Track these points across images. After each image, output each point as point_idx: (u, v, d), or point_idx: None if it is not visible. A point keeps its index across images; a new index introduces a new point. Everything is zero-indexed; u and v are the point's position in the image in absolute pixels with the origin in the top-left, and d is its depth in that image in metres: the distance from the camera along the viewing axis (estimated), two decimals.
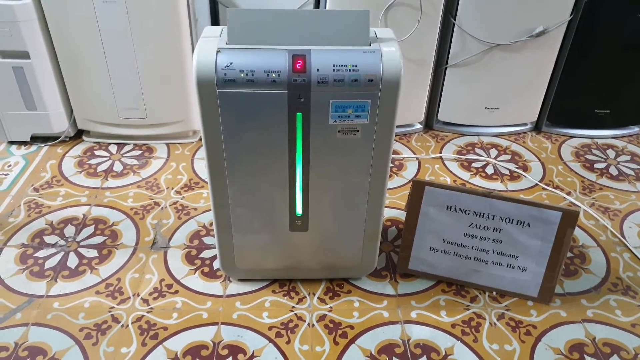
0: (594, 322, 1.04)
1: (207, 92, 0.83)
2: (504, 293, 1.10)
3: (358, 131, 0.88)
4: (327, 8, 1.38)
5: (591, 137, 1.64)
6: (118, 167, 1.45)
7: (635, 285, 1.13)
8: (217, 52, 0.82)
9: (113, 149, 1.52)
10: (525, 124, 1.65)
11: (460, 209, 1.06)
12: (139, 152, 1.51)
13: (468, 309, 1.06)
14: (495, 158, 1.53)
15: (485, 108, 1.58)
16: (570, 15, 1.43)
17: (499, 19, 1.41)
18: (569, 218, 1.02)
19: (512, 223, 1.05)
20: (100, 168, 1.44)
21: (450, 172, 1.46)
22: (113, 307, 1.03)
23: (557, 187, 1.41)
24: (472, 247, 1.08)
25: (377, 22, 1.38)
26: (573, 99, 1.58)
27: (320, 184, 0.94)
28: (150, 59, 1.38)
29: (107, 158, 1.48)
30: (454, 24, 1.43)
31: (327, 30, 0.85)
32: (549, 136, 1.64)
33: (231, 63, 0.82)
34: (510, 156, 1.54)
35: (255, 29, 0.85)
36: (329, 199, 0.97)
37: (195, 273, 1.12)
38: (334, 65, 0.82)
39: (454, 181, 1.42)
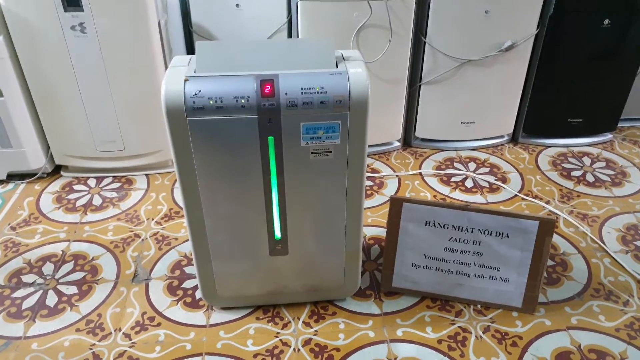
0: (578, 329, 1.04)
1: (177, 120, 0.83)
2: (489, 305, 1.10)
3: (330, 152, 0.89)
4: (299, 34, 1.41)
5: (567, 146, 1.66)
6: (97, 200, 1.43)
7: (617, 290, 1.13)
8: (185, 80, 0.83)
9: (92, 182, 1.51)
10: (502, 136, 1.67)
11: (439, 223, 1.07)
12: (118, 184, 1.50)
13: (454, 324, 1.05)
14: (474, 171, 1.54)
15: (462, 123, 1.60)
16: (537, 29, 1.47)
17: (468, 35, 1.45)
18: (546, 226, 1.03)
19: (490, 235, 1.05)
20: (79, 203, 1.42)
21: (430, 187, 1.47)
22: (94, 345, 1.01)
23: (536, 197, 1.42)
24: (454, 261, 1.08)
25: (350, 44, 1.40)
26: (546, 109, 1.61)
27: (297, 206, 0.95)
28: (125, 90, 1.39)
29: (86, 192, 1.47)
30: (424, 42, 1.46)
31: (294, 56, 0.87)
32: (526, 147, 1.67)
33: (199, 91, 0.83)
34: (489, 169, 1.56)
35: (224, 58, 0.86)
36: (307, 220, 0.97)
37: (177, 304, 1.10)
38: (302, 89, 0.83)
39: (434, 196, 1.43)
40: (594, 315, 1.07)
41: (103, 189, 1.48)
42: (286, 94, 0.83)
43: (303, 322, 1.06)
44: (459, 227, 1.06)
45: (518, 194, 1.43)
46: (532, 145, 1.67)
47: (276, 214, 0.95)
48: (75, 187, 1.49)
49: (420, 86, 1.54)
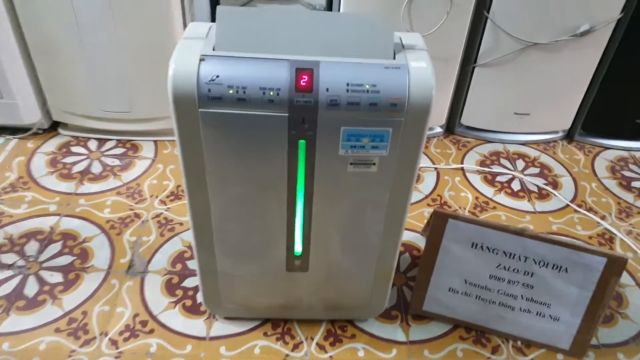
0: None
1: (186, 111, 0.66)
2: (531, 343, 0.95)
3: (374, 164, 0.71)
4: (341, 3, 1.19)
5: (628, 149, 1.46)
6: (97, 167, 1.28)
7: None
8: (201, 60, 0.65)
9: (93, 145, 1.35)
10: (556, 132, 1.47)
11: (487, 247, 0.90)
12: (123, 149, 1.34)
13: None
14: (523, 171, 1.36)
15: (515, 113, 1.40)
16: (621, 13, 1.23)
17: (538, 14, 1.22)
18: (615, 265, 0.86)
19: (546, 267, 0.89)
20: (75, 168, 1.27)
21: (472, 186, 1.29)
22: (74, 351, 0.88)
23: (590, 210, 1.24)
24: (498, 291, 0.93)
25: (400, 13, 1.19)
26: (613, 106, 1.39)
27: (325, 221, 0.78)
28: (135, 44, 1.19)
29: (85, 156, 1.31)
30: (486, 18, 1.24)
31: (340, 37, 0.67)
32: (582, 146, 1.47)
33: (217, 76, 0.64)
34: (539, 169, 1.37)
35: (252, 31, 0.67)
36: (336, 238, 0.81)
37: (175, 307, 0.97)
38: (348, 84, 0.65)
39: (476, 198, 1.25)
40: None
41: (104, 153, 1.32)
42: (327, 89, 0.65)
43: (317, 343, 0.92)
44: (510, 254, 0.89)
45: (570, 204, 1.26)
46: (589, 146, 1.47)
47: (299, 228, 0.79)
48: (74, 149, 1.33)
49: (474, 68, 1.33)
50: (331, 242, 0.81)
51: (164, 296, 0.98)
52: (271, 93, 0.64)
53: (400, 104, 0.65)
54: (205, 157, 0.70)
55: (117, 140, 1.36)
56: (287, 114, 0.66)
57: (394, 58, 0.67)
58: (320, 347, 0.92)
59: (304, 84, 0.64)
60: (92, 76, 1.24)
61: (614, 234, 1.18)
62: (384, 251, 0.83)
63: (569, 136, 1.48)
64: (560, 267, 0.88)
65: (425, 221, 1.06)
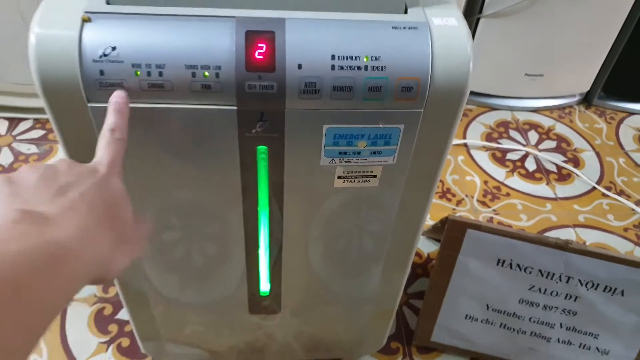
0: None
1: (67, 106, 0.40)
2: None
3: (375, 176, 0.47)
4: None
5: None
6: (7, 156, 1.00)
7: None
8: (84, 20, 0.38)
9: (2, 127, 1.06)
10: (573, 96, 1.24)
11: (518, 264, 0.68)
12: (41, 132, 1.06)
13: None
14: (537, 146, 1.13)
15: (526, 75, 1.16)
16: None
17: None
18: None
19: (596, 289, 0.68)
20: None
21: (479, 167, 1.06)
22: None
23: (621, 193, 1.04)
24: (531, 319, 0.72)
25: None
26: None
27: (302, 253, 0.54)
28: None
29: None
30: None
31: None
32: (602, 112, 1.25)
33: (114, 48, 0.38)
34: (555, 142, 1.14)
35: None
36: (317, 271, 0.57)
37: (107, 349, 0.73)
38: (333, 57, 0.39)
39: (485, 182, 1.03)
40: None
41: (17, 138, 1.04)
42: (299, 65, 0.39)
43: None
44: (549, 273, 0.68)
45: (597, 186, 1.04)
46: (610, 111, 1.25)
47: (264, 265, 0.55)
48: None
49: (479, 19, 1.07)
50: (312, 276, 0.58)
51: (93, 334, 0.75)
52: (206, 74, 0.39)
53: (417, 88, 0.40)
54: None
55: (34, 119, 1.08)
56: (234, 107, 0.40)
57: (406, 12, 0.42)
58: None
59: (261, 56, 0.39)
60: None
61: None
62: (385, 286, 0.60)
63: (586, 100, 1.26)
64: (615, 289, 0.67)
65: (434, 225, 0.84)
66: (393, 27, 0.40)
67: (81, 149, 0.42)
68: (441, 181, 1.02)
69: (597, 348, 0.72)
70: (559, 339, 0.72)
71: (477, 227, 0.67)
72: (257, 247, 0.53)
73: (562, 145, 1.14)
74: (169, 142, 0.42)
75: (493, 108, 1.21)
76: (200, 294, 0.59)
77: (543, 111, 1.23)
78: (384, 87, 0.40)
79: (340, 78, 0.39)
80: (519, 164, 1.08)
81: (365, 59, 0.39)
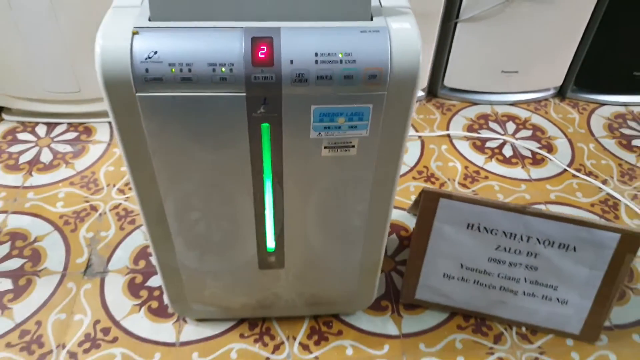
0: None
1: (121, 96, 0.53)
2: (537, 329, 0.87)
3: (353, 146, 0.60)
4: None
5: (625, 104, 1.37)
6: (46, 156, 1.14)
7: None
8: (134, 33, 0.52)
9: (41, 130, 1.21)
10: (547, 89, 1.37)
11: (485, 227, 0.81)
12: (74, 134, 1.20)
13: (492, 353, 0.84)
14: (514, 135, 1.26)
15: (502, 72, 1.29)
16: None
17: None
18: (630, 241, 0.77)
19: (552, 246, 0.80)
20: (23, 158, 1.13)
21: (461, 154, 1.19)
22: None
23: (590, 174, 1.16)
24: (499, 275, 0.84)
25: None
26: (607, 59, 1.29)
27: (300, 213, 0.67)
28: (73, 16, 1.04)
29: (33, 144, 1.17)
30: None
31: None
32: (575, 104, 1.37)
33: (155, 52, 0.52)
34: (531, 131, 1.27)
35: None
36: (313, 230, 0.70)
37: (140, 310, 0.87)
38: (317, 54, 0.53)
39: (466, 167, 1.16)
40: None
41: (54, 139, 1.19)
42: (291, 61, 0.53)
43: (300, 343, 0.83)
44: (511, 234, 0.80)
45: (568, 168, 1.17)
46: (583, 102, 1.37)
47: (270, 222, 0.68)
48: (20, 136, 1.19)
49: (456, 24, 1.20)
50: (308, 234, 0.71)
51: (127, 298, 0.88)
52: (223, 69, 0.52)
53: (380, 75, 0.54)
54: (151, 149, 0.58)
55: (68, 124, 1.22)
56: (244, 94, 0.54)
57: (371, 19, 0.55)
58: (304, 346, 0.83)
59: (263, 56, 0.52)
60: (30, 55, 1.09)
61: (618, 199, 1.10)
62: (369, 241, 0.73)
63: (560, 93, 1.38)
64: (568, 246, 0.79)
65: (413, 199, 0.97)
66: (361, 31, 0.54)
67: (130, 131, 0.56)
68: (425, 167, 1.15)
69: (557, 299, 0.84)
70: (524, 292, 0.84)
71: (448, 196, 0.80)
72: (263, 208, 0.66)
73: (537, 134, 1.26)
74: (194, 123, 0.56)
75: (474, 103, 1.34)
76: (219, 255, 0.73)
77: (521, 104, 1.35)
78: (355, 76, 0.54)
79: (322, 70, 0.53)
80: (497, 151, 1.21)
81: (340, 55, 0.53)
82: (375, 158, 0.61)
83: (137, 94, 0.53)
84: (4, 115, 1.23)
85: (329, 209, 0.68)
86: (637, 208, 1.08)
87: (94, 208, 1.03)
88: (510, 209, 0.79)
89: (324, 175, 0.63)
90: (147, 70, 0.52)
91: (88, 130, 1.21)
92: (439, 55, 1.28)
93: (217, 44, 0.52)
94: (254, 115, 0.56)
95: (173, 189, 0.63)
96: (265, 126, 0.57)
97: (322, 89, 0.54)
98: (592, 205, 1.09)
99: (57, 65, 1.11)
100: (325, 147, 0.60)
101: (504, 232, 0.81)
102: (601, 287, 0.81)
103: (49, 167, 1.11)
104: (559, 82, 1.35)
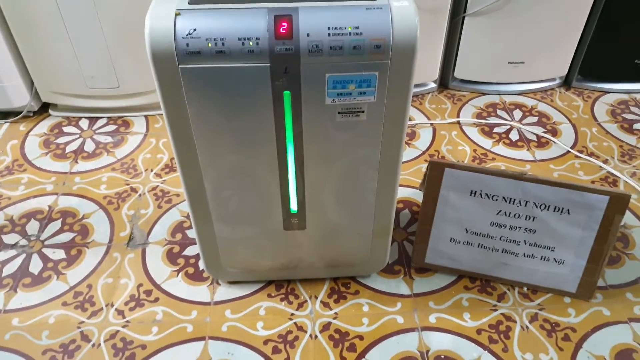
0: None
1: (166, 67, 0.64)
2: (537, 289, 0.94)
3: (363, 112, 0.69)
4: None
5: (628, 92, 1.43)
6: (90, 146, 1.27)
7: None
8: (176, 14, 0.63)
9: (84, 124, 1.34)
10: (553, 79, 1.44)
11: (486, 194, 0.89)
12: (114, 127, 1.33)
13: (495, 309, 0.91)
14: (520, 121, 1.33)
15: (509, 63, 1.37)
16: None
17: None
18: (618, 203, 0.84)
19: (548, 210, 0.88)
20: (69, 148, 1.26)
21: (470, 139, 1.27)
22: (82, 322, 0.89)
23: (591, 154, 1.23)
24: (500, 238, 0.92)
25: None
26: (611, 48, 1.36)
27: (318, 175, 0.77)
28: (116, 18, 1.17)
29: (78, 135, 1.30)
30: None
31: None
32: (580, 92, 1.44)
33: (194, 29, 0.63)
34: (537, 118, 1.34)
35: None
36: (330, 192, 0.80)
37: (177, 275, 0.97)
38: (329, 28, 0.63)
39: (474, 150, 1.24)
40: None
41: (96, 132, 1.31)
42: (308, 34, 0.63)
43: (321, 301, 0.92)
44: (510, 199, 0.88)
45: (571, 150, 1.24)
46: (588, 91, 1.44)
47: (292, 184, 0.78)
48: (66, 129, 1.32)
49: (464, 18, 1.29)
50: (326, 198, 0.80)
51: (166, 265, 0.98)
52: (250, 43, 0.63)
53: (384, 45, 0.63)
54: (190, 114, 0.68)
55: (108, 117, 1.35)
56: (268, 64, 0.64)
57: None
58: (325, 304, 0.92)
59: (284, 31, 0.63)
60: (75, 54, 1.22)
61: (617, 176, 1.16)
62: (380, 205, 0.82)
63: (566, 83, 1.45)
64: (562, 208, 0.87)
65: (423, 175, 1.05)
66: (367, 9, 0.63)
67: (173, 99, 0.66)
68: (437, 150, 1.24)
69: (554, 259, 0.91)
70: (524, 254, 0.92)
71: (452, 166, 0.88)
72: (286, 172, 0.76)
73: (542, 120, 1.34)
74: (227, 91, 0.66)
75: (483, 93, 1.43)
76: (249, 219, 0.82)
77: (527, 94, 1.43)
78: (362, 46, 0.63)
79: (334, 41, 0.63)
80: (504, 135, 1.28)
81: (349, 28, 0.63)
82: (382, 122, 0.70)
83: (180, 66, 0.64)
84: (50, 111, 1.36)
85: (343, 174, 0.77)
86: (635, 184, 1.14)
87: (134, 190, 1.14)
88: (509, 175, 0.87)
89: (338, 140, 0.72)
90: (187, 45, 0.63)
91: (126, 123, 1.33)
92: (448, 49, 1.37)
93: (246, 21, 0.63)
94: (277, 83, 0.66)
95: (209, 153, 0.73)
96: (286, 93, 0.67)
97: (334, 59, 0.64)
98: (592, 182, 1.15)
99: (98, 63, 1.24)
100: (338, 113, 0.69)
101: (504, 198, 0.88)
102: (594, 247, 0.88)
103: (92, 156, 1.24)
104: (564, 72, 1.42)
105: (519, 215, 0.89)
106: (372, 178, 0.78)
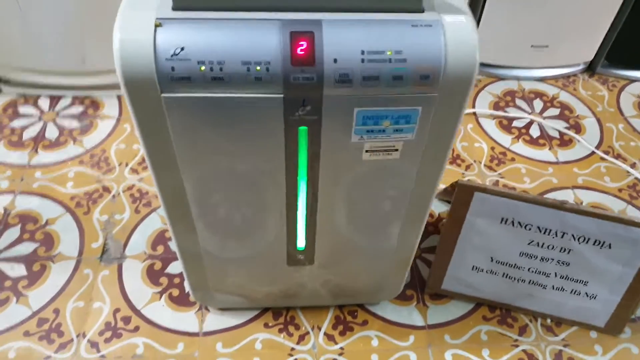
0: None
1: (144, 97, 0.48)
2: (562, 321, 0.86)
3: (397, 150, 0.56)
4: None
5: None
6: (52, 132, 1.09)
7: None
8: (157, 26, 0.47)
9: (45, 103, 1.15)
10: (577, 65, 1.30)
11: (519, 222, 0.77)
12: (81, 108, 1.14)
13: (517, 345, 0.82)
14: (541, 114, 1.20)
15: (532, 46, 1.21)
16: None
17: None
18: None
19: (587, 243, 0.77)
20: (27, 134, 1.08)
21: (487, 134, 1.14)
22: (49, 357, 0.76)
23: (618, 156, 1.11)
24: (529, 269, 0.81)
25: None
26: None
27: (333, 215, 0.64)
28: None
29: (37, 118, 1.12)
30: None
31: None
32: (605, 80, 1.30)
33: (182, 49, 0.46)
34: (559, 110, 1.21)
35: None
36: (345, 230, 0.67)
37: (160, 298, 0.85)
38: (363, 53, 0.47)
39: (492, 148, 1.11)
40: None
41: (60, 114, 1.13)
42: (335, 60, 0.47)
43: (325, 333, 0.82)
44: (546, 229, 0.77)
45: (596, 150, 1.12)
46: (613, 79, 1.30)
47: (301, 223, 0.65)
48: (22, 110, 1.13)
49: None
50: (340, 235, 0.68)
51: (147, 286, 0.86)
52: (258, 68, 0.47)
53: (433, 76, 0.49)
54: (177, 152, 0.53)
55: (73, 96, 1.16)
56: (281, 95, 0.49)
57: (422, 10, 0.49)
58: (329, 337, 0.81)
59: (302, 52, 0.47)
60: (26, 24, 1.01)
61: None
62: (404, 240, 0.70)
63: (590, 69, 1.31)
64: (604, 242, 0.76)
65: (443, 187, 0.93)
66: (412, 25, 0.48)
67: (155, 134, 0.51)
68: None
69: (586, 293, 0.82)
70: (553, 286, 0.82)
71: (483, 190, 0.76)
72: (295, 210, 0.63)
73: (565, 113, 1.21)
74: (225, 124, 0.51)
75: (501, 78, 1.28)
76: (249, 252, 0.69)
77: (548, 80, 1.29)
78: (405, 76, 0.48)
79: (368, 69, 0.48)
80: (524, 131, 1.16)
81: (389, 53, 0.48)
82: (419, 162, 0.57)
83: (163, 95, 0.48)
84: (2, 86, 1.17)
85: (365, 211, 0.64)
86: None
87: (106, 189, 0.99)
88: (548, 204, 0.75)
89: (361, 179, 0.58)
90: (173, 68, 0.47)
91: (95, 104, 1.15)
92: None
93: (252, 39, 0.47)
94: (291, 118, 0.51)
95: (201, 190, 0.59)
96: (302, 129, 0.52)
97: (368, 90, 0.49)
98: (620, 190, 1.05)
99: (58, 35, 1.04)
100: (366, 151, 0.55)
101: (539, 228, 0.77)
102: (632, 284, 0.79)
103: (55, 145, 1.06)
104: (590, 57, 1.27)
105: (554, 246, 0.79)
106: (398, 216, 0.65)
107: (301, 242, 0.68)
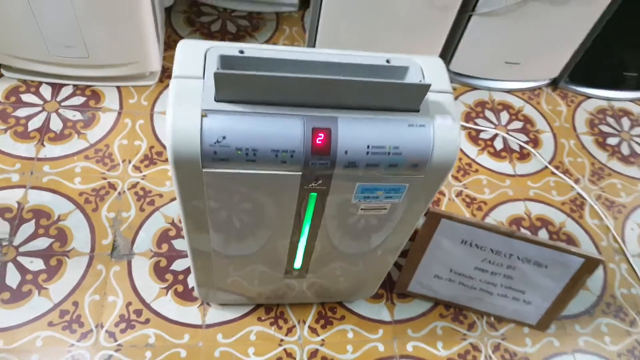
0: (584, 352, 1.03)
1: (187, 170, 0.59)
2: (502, 319, 1.04)
3: (385, 209, 0.68)
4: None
5: (608, 99, 1.46)
6: (56, 123, 1.15)
7: (626, 306, 1.10)
8: (203, 116, 0.56)
9: (46, 91, 1.19)
10: (543, 79, 1.43)
11: (477, 244, 0.93)
12: (82, 98, 1.20)
13: (465, 339, 1.01)
14: (506, 126, 1.34)
15: (506, 62, 1.33)
16: None
17: None
18: (590, 265, 0.92)
19: (529, 263, 0.94)
20: (32, 125, 1.14)
21: None
22: (73, 345, 0.89)
23: (566, 172, 1.28)
24: (480, 280, 0.98)
25: None
26: (604, 60, 1.35)
27: (327, 246, 0.77)
28: None
29: (40, 108, 1.17)
30: None
31: (363, 89, 0.59)
32: (565, 95, 1.45)
33: (224, 137, 0.57)
34: (522, 123, 1.36)
35: (254, 79, 0.57)
36: (336, 256, 0.80)
37: (167, 293, 0.97)
38: (368, 147, 0.59)
39: (460, 159, 1.25)
40: (601, 335, 1.05)
41: (62, 104, 1.18)
42: (346, 152, 0.59)
43: (309, 327, 0.97)
44: (497, 251, 0.93)
45: (548, 165, 1.28)
46: (572, 94, 1.45)
47: (301, 251, 0.78)
48: (25, 98, 1.18)
49: (471, 16, 1.22)
50: (332, 259, 0.81)
51: (154, 282, 0.98)
52: (284, 154, 0.58)
53: (421, 164, 0.61)
54: (208, 212, 0.65)
55: (75, 85, 1.21)
56: (300, 173, 0.60)
57: (419, 110, 0.61)
58: (313, 330, 0.97)
59: (320, 142, 0.58)
60: (34, 17, 1.04)
61: (585, 199, 1.24)
62: (384, 260, 0.85)
63: (553, 83, 1.45)
64: (542, 264, 0.93)
65: None
66: (409, 125, 0.60)
67: (192, 197, 0.62)
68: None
69: (523, 300, 1.00)
70: (498, 294, 1.00)
71: (450, 217, 0.90)
72: (297, 243, 0.75)
73: (527, 126, 1.35)
74: (251, 191, 0.62)
75: (474, 87, 1.40)
76: (254, 267, 0.82)
77: (516, 92, 1.42)
78: (399, 164, 0.61)
79: (371, 159, 0.60)
80: (489, 143, 1.30)
81: (388, 148, 0.59)
82: (402, 215, 0.70)
83: (204, 170, 0.59)
84: (3, 72, 1.20)
85: (354, 244, 0.77)
86: (599, 209, 1.22)
87: (112, 186, 1.08)
88: (501, 232, 0.91)
89: (354, 225, 0.71)
90: (215, 152, 0.57)
91: (96, 95, 1.21)
92: (449, 42, 1.30)
93: (281, 132, 0.57)
94: (305, 188, 0.62)
95: (222, 235, 0.70)
96: (313, 195, 0.64)
97: (369, 173, 0.61)
98: (563, 204, 1.22)
99: (64, 29, 1.08)
100: (362, 209, 0.68)
101: (492, 249, 0.93)
102: (560, 295, 0.97)
103: (60, 137, 1.13)
104: (556, 74, 1.41)
105: (502, 264, 0.95)
106: (381, 246, 0.79)
107: (298, 264, 0.81)
